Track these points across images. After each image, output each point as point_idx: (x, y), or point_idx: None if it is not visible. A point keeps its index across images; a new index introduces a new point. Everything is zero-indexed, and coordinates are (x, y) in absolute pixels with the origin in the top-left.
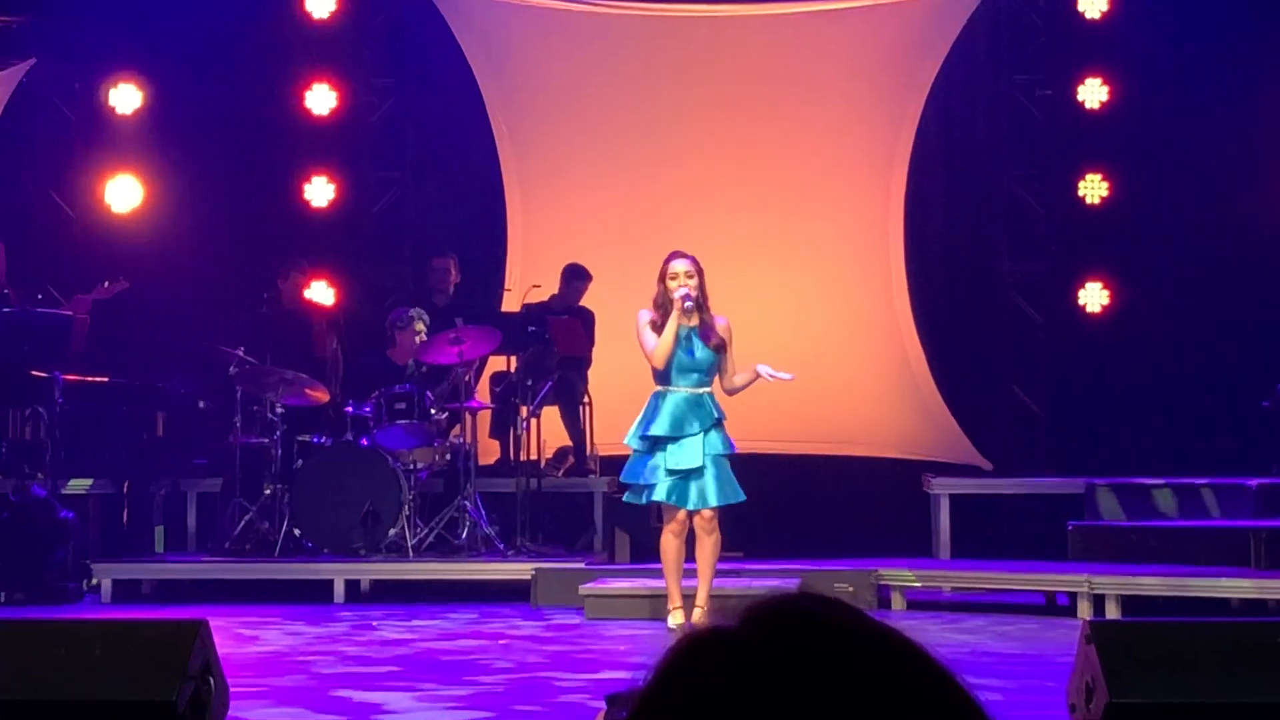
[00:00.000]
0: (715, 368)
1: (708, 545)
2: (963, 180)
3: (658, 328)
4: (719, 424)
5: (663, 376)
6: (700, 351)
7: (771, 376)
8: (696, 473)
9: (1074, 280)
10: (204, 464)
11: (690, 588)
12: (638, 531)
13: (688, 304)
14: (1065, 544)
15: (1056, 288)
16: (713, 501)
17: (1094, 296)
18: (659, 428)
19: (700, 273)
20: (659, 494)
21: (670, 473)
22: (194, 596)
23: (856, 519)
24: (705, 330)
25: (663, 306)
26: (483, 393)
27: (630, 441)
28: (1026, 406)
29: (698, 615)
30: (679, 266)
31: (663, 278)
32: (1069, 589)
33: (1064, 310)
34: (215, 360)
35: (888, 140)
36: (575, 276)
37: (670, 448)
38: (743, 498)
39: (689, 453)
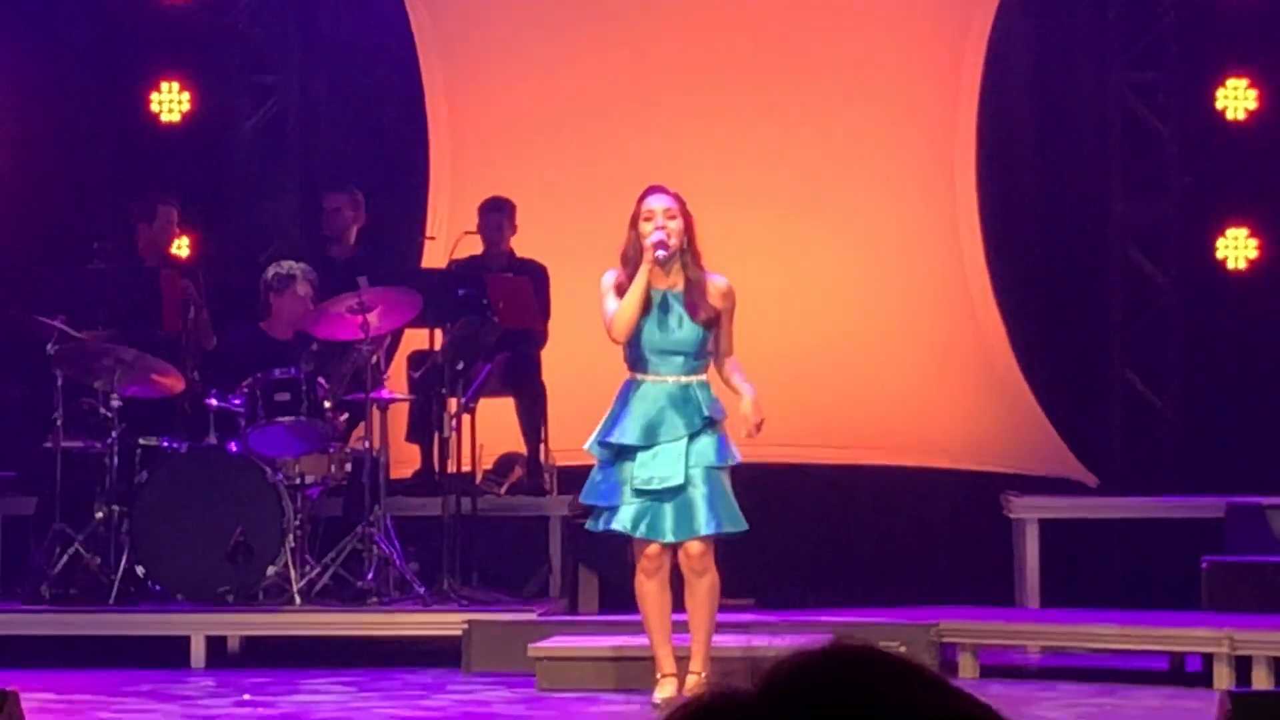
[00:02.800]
0: (708, 346)
1: (700, 591)
2: (1057, 93)
3: (625, 292)
4: (713, 425)
5: (635, 359)
6: (686, 326)
7: (747, 428)
8: (675, 492)
9: (1211, 227)
10: (11, 477)
11: (684, 648)
12: (610, 570)
13: (660, 253)
14: (1198, 587)
15: (1187, 237)
16: (702, 529)
17: (1238, 247)
18: (627, 431)
19: (688, 217)
20: (620, 521)
21: (639, 493)
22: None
23: (912, 554)
24: (694, 295)
25: (633, 261)
26: (397, 380)
27: (590, 448)
28: (1145, 400)
29: (692, 686)
30: (656, 204)
31: (635, 221)
32: (1202, 648)
33: (1198, 267)
34: (27, 334)
35: (952, 38)
36: (494, 210)
37: (641, 457)
38: (743, 527)
39: (665, 464)
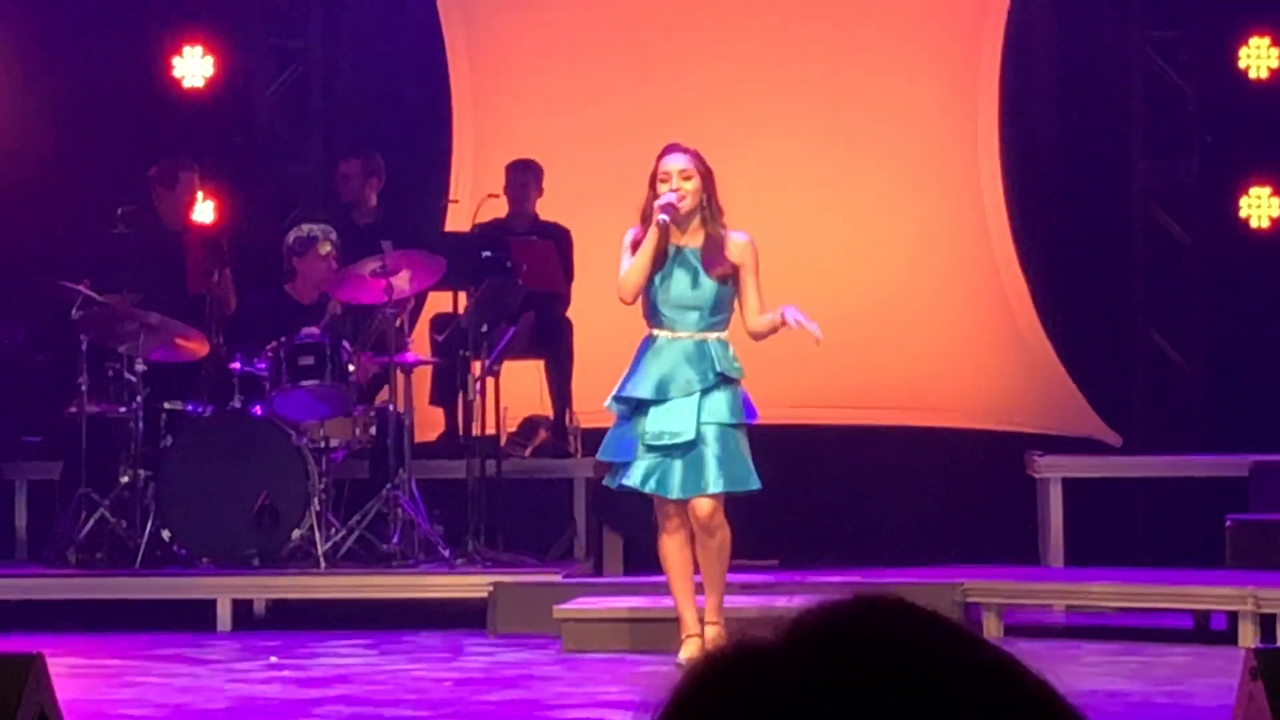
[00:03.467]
0: (727, 303)
1: (710, 549)
2: (1078, 49)
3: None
4: (727, 382)
5: (653, 314)
6: (703, 280)
7: (797, 323)
8: (685, 448)
9: (1234, 184)
10: (37, 442)
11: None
12: (634, 531)
13: (662, 218)
14: (1222, 546)
15: (1210, 195)
16: (710, 487)
17: (1261, 206)
18: (640, 385)
19: (707, 175)
20: (633, 477)
21: (650, 449)
22: (25, 623)
23: (935, 513)
24: (711, 251)
25: (650, 220)
26: (420, 343)
27: (609, 405)
28: (1169, 359)
29: (712, 637)
30: (672, 164)
31: (653, 181)
32: (1227, 606)
33: (1221, 226)
34: (51, 300)
35: None
36: (520, 171)
37: (654, 412)
38: (754, 486)
39: (676, 419)
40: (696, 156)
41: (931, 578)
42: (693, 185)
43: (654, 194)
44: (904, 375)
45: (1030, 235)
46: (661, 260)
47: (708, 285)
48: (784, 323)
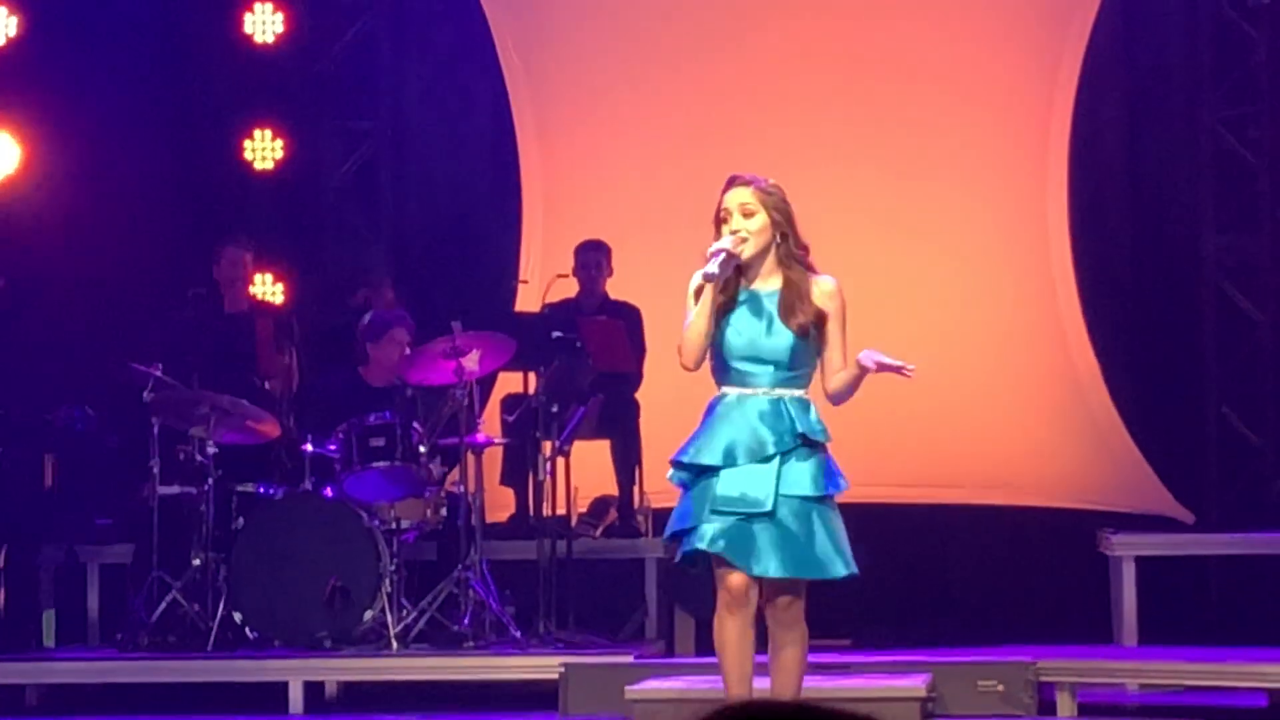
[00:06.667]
0: (807, 357)
1: (785, 648)
2: (1150, 124)
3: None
4: (812, 446)
5: (720, 369)
6: (778, 331)
7: (881, 366)
8: (763, 519)
9: None
10: (109, 525)
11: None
12: (706, 612)
13: (710, 271)
14: None
15: None
16: (788, 571)
17: None
18: (705, 451)
19: (780, 208)
20: (700, 539)
21: (719, 513)
22: (98, 707)
23: (1008, 592)
24: (790, 296)
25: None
26: (491, 424)
27: (670, 476)
28: (1242, 436)
29: None
30: (732, 199)
31: (717, 220)
32: None
33: None
34: (124, 383)
35: (1045, 68)
36: (590, 250)
37: (724, 475)
38: (841, 571)
39: (752, 485)
40: (764, 188)
41: (1004, 656)
42: (758, 223)
43: (719, 235)
44: (974, 453)
45: (1100, 312)
46: (726, 312)
47: (784, 336)
48: (864, 370)
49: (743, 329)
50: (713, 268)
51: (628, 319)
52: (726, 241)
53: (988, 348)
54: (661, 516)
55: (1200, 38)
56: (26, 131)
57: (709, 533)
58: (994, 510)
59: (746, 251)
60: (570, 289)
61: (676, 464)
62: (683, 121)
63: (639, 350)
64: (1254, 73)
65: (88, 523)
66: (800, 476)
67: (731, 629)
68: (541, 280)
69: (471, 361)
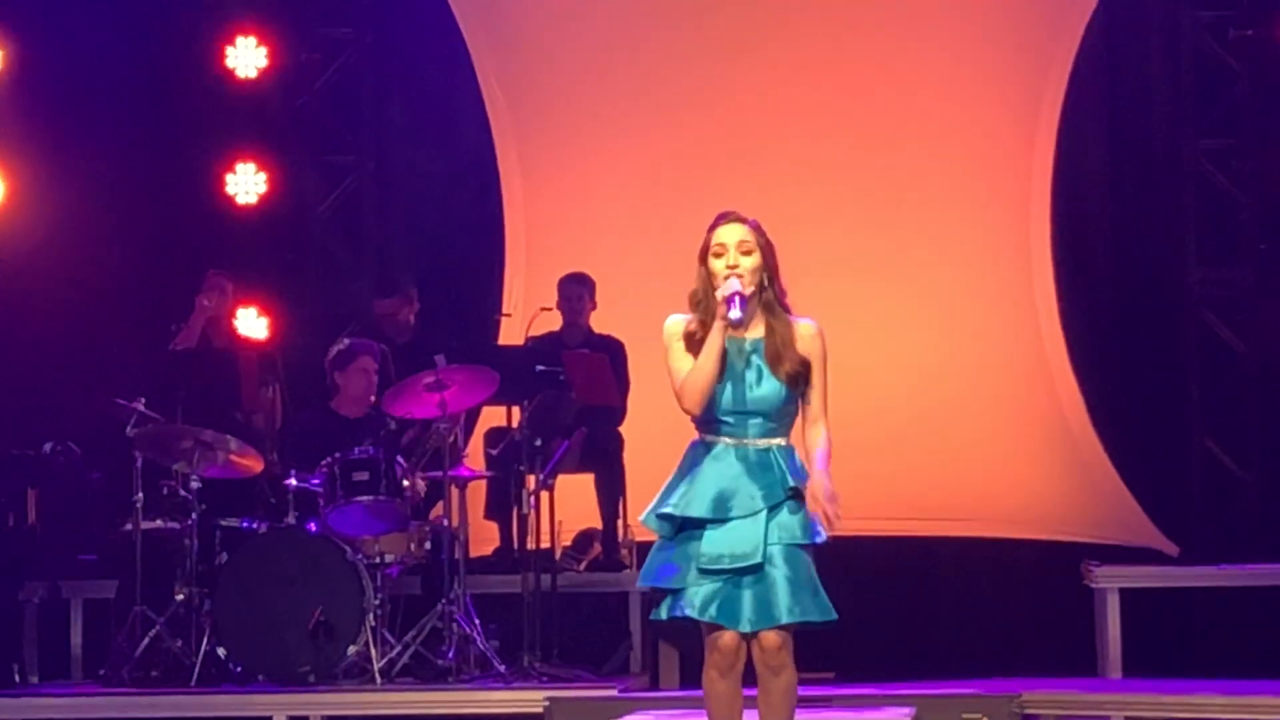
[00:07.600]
0: (794, 406)
1: (775, 692)
2: (1132, 157)
3: (695, 344)
4: (797, 496)
5: (706, 420)
6: (766, 381)
7: (815, 502)
8: (751, 574)
9: None
10: (93, 560)
11: None
12: (690, 646)
13: (733, 315)
14: None
15: (1265, 302)
16: (783, 617)
17: None
18: (694, 503)
19: (768, 249)
20: (690, 606)
21: (706, 573)
22: None
23: (992, 624)
24: (776, 345)
25: (704, 303)
26: (475, 457)
27: (647, 521)
28: (1225, 468)
29: None
30: (728, 235)
31: (703, 256)
32: None
33: (1276, 333)
34: (106, 417)
35: (1028, 102)
36: (573, 284)
37: (710, 532)
38: (831, 617)
39: (740, 540)
40: (757, 227)
41: (988, 689)
42: (753, 262)
43: (706, 271)
44: (958, 486)
45: (1084, 345)
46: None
47: (774, 386)
48: (812, 481)
49: (730, 380)
50: (735, 313)
51: (611, 352)
52: (736, 284)
53: (973, 381)
54: (644, 549)
55: (1182, 71)
56: (10, 166)
57: (699, 599)
58: (978, 542)
59: (749, 291)
60: (554, 322)
61: (660, 515)
62: (665, 156)
63: (623, 384)
64: (1236, 105)
65: (71, 558)
66: (790, 524)
67: (722, 690)
68: (525, 313)
69: (454, 395)
